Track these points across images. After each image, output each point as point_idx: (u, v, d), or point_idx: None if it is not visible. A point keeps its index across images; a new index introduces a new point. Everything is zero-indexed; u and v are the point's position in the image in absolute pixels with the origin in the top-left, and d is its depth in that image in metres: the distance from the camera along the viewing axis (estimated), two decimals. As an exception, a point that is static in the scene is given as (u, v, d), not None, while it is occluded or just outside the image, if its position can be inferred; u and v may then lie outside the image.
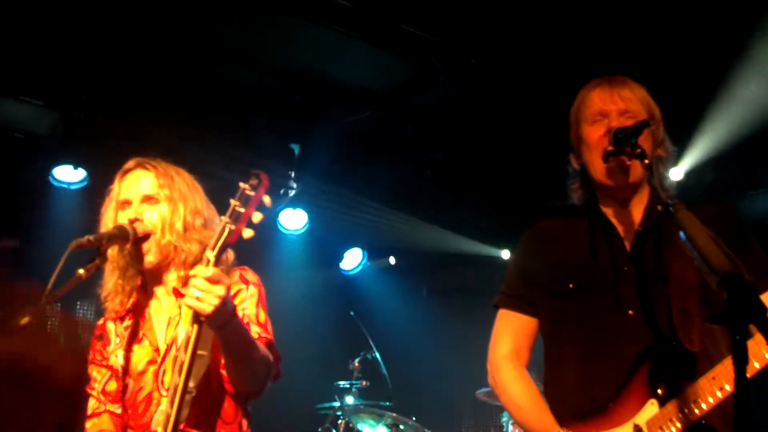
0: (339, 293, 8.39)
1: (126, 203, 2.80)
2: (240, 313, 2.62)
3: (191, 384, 2.40)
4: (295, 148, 7.14)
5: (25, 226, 6.88)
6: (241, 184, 2.32)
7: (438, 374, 8.19)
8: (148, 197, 2.77)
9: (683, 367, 2.37)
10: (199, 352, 2.44)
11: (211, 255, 2.32)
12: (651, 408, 2.37)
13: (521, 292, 2.77)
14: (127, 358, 2.80)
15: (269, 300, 2.89)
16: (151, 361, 2.77)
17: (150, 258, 2.75)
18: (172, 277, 2.81)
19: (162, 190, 2.77)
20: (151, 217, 2.75)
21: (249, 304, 2.75)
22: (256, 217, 2.32)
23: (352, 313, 7.05)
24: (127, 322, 2.85)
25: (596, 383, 2.47)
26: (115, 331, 2.87)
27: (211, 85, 6.19)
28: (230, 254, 2.84)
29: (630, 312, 2.50)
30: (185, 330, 2.67)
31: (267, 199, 2.33)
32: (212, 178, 7.10)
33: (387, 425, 6.41)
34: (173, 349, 2.72)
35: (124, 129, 6.31)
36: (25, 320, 2.25)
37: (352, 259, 8.50)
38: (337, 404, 6.60)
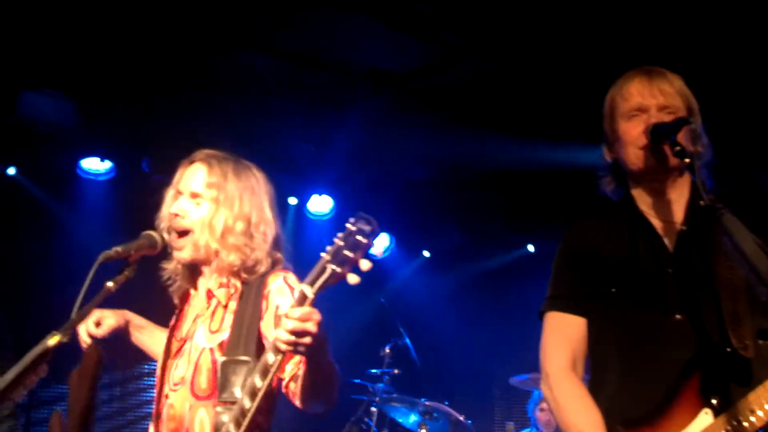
0: (368, 279, 8.31)
1: (178, 193, 2.81)
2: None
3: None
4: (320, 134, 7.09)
5: (54, 218, 6.90)
6: (350, 226, 2.16)
7: (469, 359, 8.13)
8: (194, 194, 2.77)
9: (738, 375, 2.26)
10: (245, 358, 2.53)
11: (309, 292, 2.20)
12: (705, 418, 2.26)
13: (569, 293, 2.61)
14: (167, 346, 2.82)
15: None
16: (167, 353, 2.79)
17: (183, 254, 2.74)
18: (211, 277, 2.79)
19: (209, 190, 2.75)
20: (193, 215, 2.73)
21: None
22: (365, 264, 2.15)
23: (382, 300, 6.98)
24: (178, 308, 2.88)
25: (644, 392, 2.36)
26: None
27: (233, 73, 6.13)
28: (279, 252, 2.83)
29: (677, 316, 2.38)
30: (205, 332, 2.69)
31: (378, 250, 2.22)
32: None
33: (420, 412, 6.36)
34: (187, 345, 2.72)
35: (149, 120, 6.29)
36: (55, 340, 2.19)
37: (380, 245, 8.44)
38: (369, 392, 6.56)
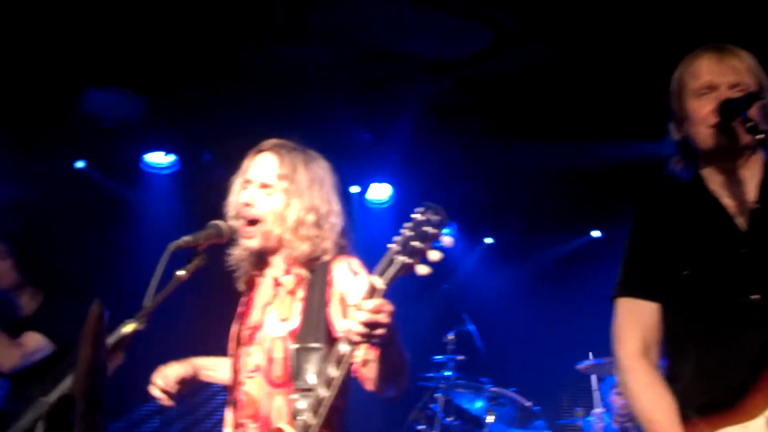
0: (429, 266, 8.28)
1: (247, 182, 2.82)
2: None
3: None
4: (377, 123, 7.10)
5: (123, 210, 7.05)
6: (417, 216, 2.15)
7: (534, 345, 8.05)
8: (265, 185, 2.78)
9: (821, 355, 2.20)
10: (316, 345, 2.58)
11: (380, 284, 2.21)
12: None
13: (641, 278, 2.55)
14: (238, 334, 2.85)
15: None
16: (238, 341, 2.82)
17: (253, 243, 2.77)
18: (278, 265, 2.81)
19: (281, 181, 2.77)
20: (264, 205, 2.75)
21: None
22: (434, 255, 2.14)
23: (445, 286, 6.96)
24: (245, 296, 2.90)
25: (721, 375, 2.31)
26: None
27: (292, 65, 6.16)
28: (345, 240, 2.83)
29: (754, 297, 2.31)
30: (275, 321, 2.71)
31: (448, 240, 2.17)
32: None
33: (486, 398, 6.33)
34: (258, 333, 2.74)
35: (211, 114, 6.37)
36: (130, 328, 2.24)
37: (449, 235, 8.39)
38: (434, 378, 6.55)
